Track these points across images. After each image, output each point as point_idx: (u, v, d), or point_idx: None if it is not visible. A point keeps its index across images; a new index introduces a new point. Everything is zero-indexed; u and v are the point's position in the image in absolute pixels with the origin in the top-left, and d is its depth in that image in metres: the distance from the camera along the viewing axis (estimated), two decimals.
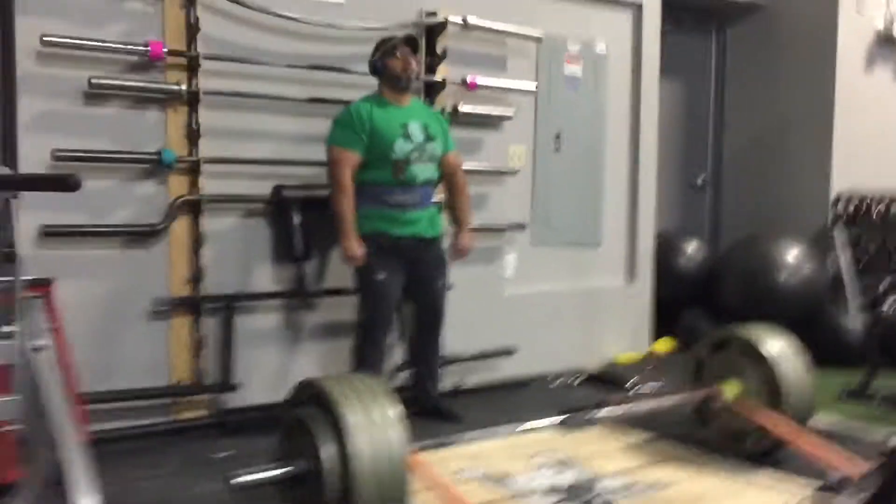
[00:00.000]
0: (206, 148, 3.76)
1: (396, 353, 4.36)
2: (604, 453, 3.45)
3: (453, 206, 4.06)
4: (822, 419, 4.01)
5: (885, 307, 5.71)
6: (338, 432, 2.30)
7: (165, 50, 3.62)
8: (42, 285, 2.90)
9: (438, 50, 4.39)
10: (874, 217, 6.10)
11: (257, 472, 2.35)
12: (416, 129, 3.84)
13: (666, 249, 5.80)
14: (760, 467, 3.26)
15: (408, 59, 3.81)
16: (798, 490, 2.97)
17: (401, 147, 3.77)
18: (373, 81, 3.97)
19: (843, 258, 5.91)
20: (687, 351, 3.72)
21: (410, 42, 3.86)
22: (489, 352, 4.65)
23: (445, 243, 4.08)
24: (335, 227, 3.75)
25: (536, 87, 4.90)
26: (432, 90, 4.40)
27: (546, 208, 5.08)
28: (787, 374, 3.27)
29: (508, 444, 3.49)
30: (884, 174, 6.44)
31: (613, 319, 5.39)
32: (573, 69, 5.15)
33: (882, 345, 5.05)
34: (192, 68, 3.71)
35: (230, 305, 3.84)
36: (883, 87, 6.49)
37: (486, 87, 4.59)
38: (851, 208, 6.09)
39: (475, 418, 3.83)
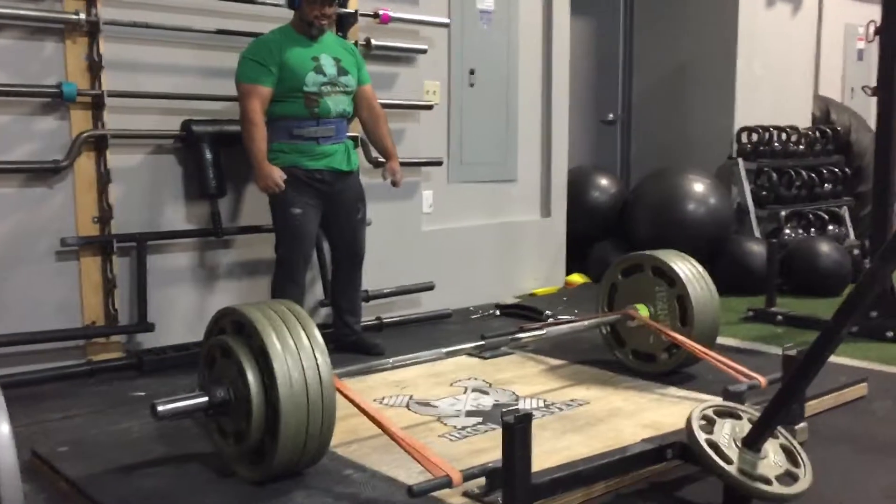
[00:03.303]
0: (109, 81, 3.62)
1: (317, 290, 4.35)
2: (522, 378, 3.54)
3: (376, 136, 4.03)
4: (728, 338, 4.22)
5: (785, 233, 6.01)
6: (263, 357, 2.29)
7: None
8: None
9: None
10: (775, 148, 6.36)
11: (182, 399, 2.33)
12: (328, 63, 3.77)
13: (579, 185, 5.91)
14: (671, 384, 3.40)
15: (325, 10, 3.71)
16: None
17: (313, 80, 3.70)
18: (283, 13, 3.87)
19: (747, 189, 6.15)
20: (600, 282, 3.82)
21: None
22: (410, 287, 4.68)
23: (364, 178, 4.06)
24: (249, 162, 3.68)
25: (450, 21, 4.87)
26: (344, 23, 4.32)
27: (462, 144, 5.10)
28: (696, 294, 3.40)
29: (431, 373, 3.55)
30: (784, 107, 6.70)
31: (530, 253, 5.49)
32: (486, 3, 5.13)
33: (783, 269, 5.32)
34: None
35: (142, 244, 3.74)
36: (783, 22, 6.72)
37: (399, 20, 4.53)
38: (754, 140, 6.32)
39: (398, 351, 3.83)
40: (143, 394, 3.38)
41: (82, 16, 3.50)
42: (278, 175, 3.63)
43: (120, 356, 3.72)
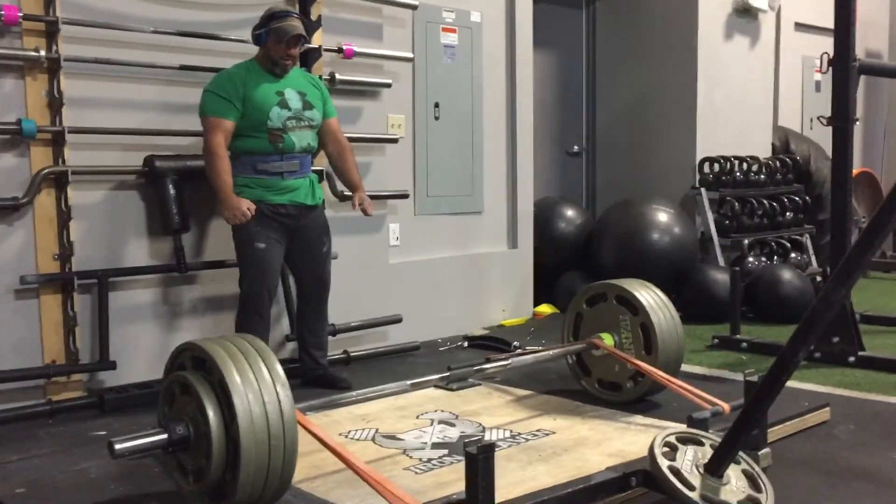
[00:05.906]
0: (70, 118, 3.60)
1: (283, 324, 4.32)
2: (489, 409, 3.53)
3: (343, 169, 4.03)
4: (694, 366, 4.25)
5: (748, 261, 6.08)
6: (223, 392, 2.26)
7: (21, 14, 3.43)
8: None
9: (313, 16, 4.33)
10: (736, 178, 6.46)
11: (141, 437, 2.29)
12: (293, 97, 3.78)
13: (545, 216, 5.96)
14: (637, 412, 3.40)
15: (291, 50, 3.74)
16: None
17: (277, 115, 3.71)
18: (247, 49, 3.89)
19: (710, 218, 6.23)
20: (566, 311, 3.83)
21: (301, 39, 3.78)
22: (377, 320, 4.66)
23: (329, 211, 4.06)
24: (213, 195, 3.67)
25: (413, 56, 4.92)
26: (308, 58, 4.34)
27: (428, 177, 5.13)
28: (660, 322, 3.42)
29: (397, 406, 3.53)
30: (745, 137, 6.83)
31: (497, 284, 5.50)
32: (449, 38, 5.19)
33: (747, 297, 5.38)
34: (51, 33, 3.54)
35: (103, 281, 3.70)
36: (741, 55, 6.87)
37: (363, 55, 4.57)
38: (716, 170, 6.42)
39: (365, 384, 3.80)
40: (104, 433, 3.32)
41: (42, 53, 3.49)
42: (245, 205, 3.62)
43: (81, 395, 3.66)
